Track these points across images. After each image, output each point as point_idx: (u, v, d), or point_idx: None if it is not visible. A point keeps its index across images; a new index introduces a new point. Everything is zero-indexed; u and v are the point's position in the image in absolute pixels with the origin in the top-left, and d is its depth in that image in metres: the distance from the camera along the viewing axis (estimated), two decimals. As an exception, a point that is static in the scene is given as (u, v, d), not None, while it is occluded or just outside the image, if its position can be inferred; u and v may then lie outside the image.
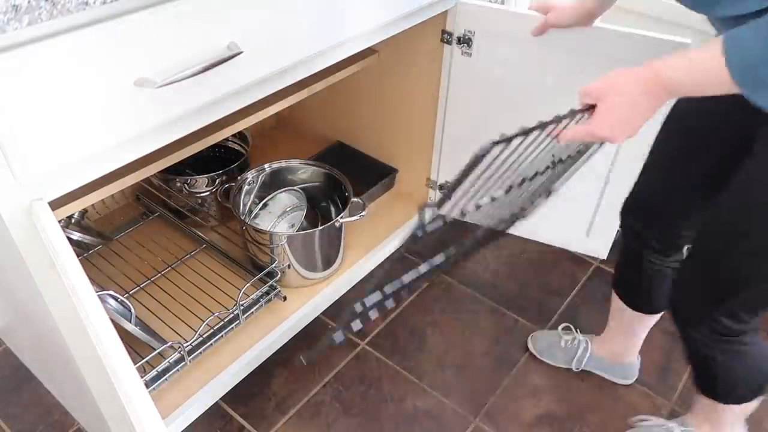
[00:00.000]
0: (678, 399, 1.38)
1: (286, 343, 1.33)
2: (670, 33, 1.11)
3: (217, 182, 1.45)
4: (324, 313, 1.45)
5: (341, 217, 1.32)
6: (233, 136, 1.59)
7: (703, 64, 0.71)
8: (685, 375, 1.44)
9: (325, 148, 1.75)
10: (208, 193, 1.46)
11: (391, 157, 1.66)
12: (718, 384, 1.12)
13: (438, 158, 1.54)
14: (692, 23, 1.34)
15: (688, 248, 1.05)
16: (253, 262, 1.39)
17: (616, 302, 1.30)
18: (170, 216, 1.51)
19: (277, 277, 1.33)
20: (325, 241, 1.34)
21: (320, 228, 1.30)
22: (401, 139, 1.60)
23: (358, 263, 1.45)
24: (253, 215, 1.46)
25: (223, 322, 1.24)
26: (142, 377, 1.10)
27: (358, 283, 1.50)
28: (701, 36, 1.33)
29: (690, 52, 0.72)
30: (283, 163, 1.47)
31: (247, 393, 1.35)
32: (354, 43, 1.05)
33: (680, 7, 1.24)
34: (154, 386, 1.13)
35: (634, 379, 1.40)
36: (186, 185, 1.45)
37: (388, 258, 1.49)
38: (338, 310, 1.51)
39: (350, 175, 1.48)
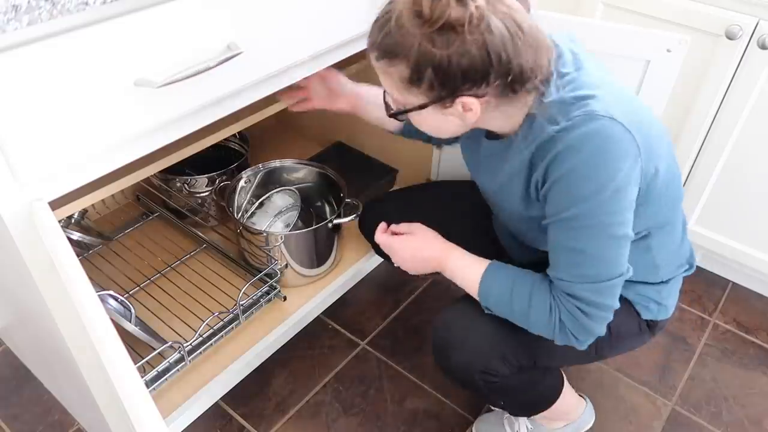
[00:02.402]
0: (678, 399, 1.38)
1: (286, 343, 1.33)
2: (670, 32, 1.11)
3: (217, 182, 1.45)
4: (324, 313, 1.45)
5: (334, 218, 1.32)
6: (233, 136, 1.59)
7: (467, 282, 0.99)
8: (686, 375, 1.44)
9: (325, 148, 1.75)
10: (207, 193, 1.46)
11: (391, 157, 1.66)
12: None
13: (438, 158, 1.54)
14: (692, 23, 1.34)
15: None
16: (247, 261, 1.39)
17: None
18: (170, 216, 1.51)
19: (277, 277, 1.33)
20: (319, 241, 1.34)
21: (312, 228, 1.30)
22: (401, 140, 1.60)
23: (358, 263, 1.45)
24: (249, 214, 1.46)
25: (223, 322, 1.24)
26: (142, 377, 1.10)
27: (358, 282, 1.50)
28: (701, 35, 1.33)
29: (466, 265, 0.99)
30: (278, 163, 1.46)
31: (247, 393, 1.35)
32: (354, 43, 1.05)
33: (680, 7, 1.26)
34: (154, 386, 1.13)
35: (592, 421, 1.32)
36: (186, 185, 1.44)
37: (388, 258, 1.49)
38: (338, 310, 1.52)
39: (350, 175, 1.48)
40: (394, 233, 1.08)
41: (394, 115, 0.88)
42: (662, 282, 1.04)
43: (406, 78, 0.80)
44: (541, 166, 0.85)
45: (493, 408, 1.34)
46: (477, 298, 0.98)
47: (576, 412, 1.28)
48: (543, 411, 1.17)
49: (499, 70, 0.77)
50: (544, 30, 0.81)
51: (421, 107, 0.83)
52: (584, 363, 1.17)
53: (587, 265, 0.85)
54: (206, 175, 1.44)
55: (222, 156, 1.57)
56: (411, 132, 1.20)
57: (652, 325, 1.08)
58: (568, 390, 1.24)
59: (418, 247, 1.04)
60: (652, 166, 0.86)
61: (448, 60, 0.75)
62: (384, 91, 0.88)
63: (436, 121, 0.86)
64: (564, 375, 1.21)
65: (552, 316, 0.89)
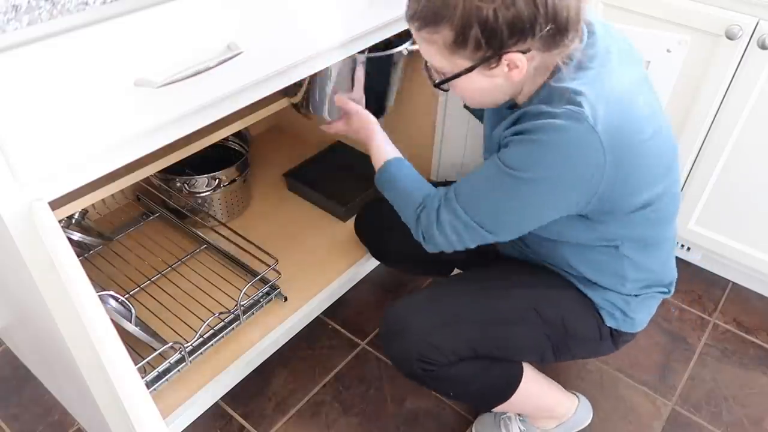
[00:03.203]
0: (678, 399, 1.38)
1: (286, 343, 1.33)
2: (670, 32, 1.11)
3: (217, 182, 1.45)
4: (324, 313, 1.45)
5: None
6: (233, 135, 1.59)
7: (376, 161, 1.11)
8: (685, 375, 1.44)
9: (325, 148, 1.75)
10: (208, 192, 1.46)
11: (391, 157, 1.66)
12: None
13: (438, 158, 1.54)
14: (692, 23, 1.34)
15: None
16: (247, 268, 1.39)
17: None
18: (170, 216, 1.51)
19: (278, 278, 1.33)
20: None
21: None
22: (401, 140, 1.60)
23: (358, 263, 1.45)
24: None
25: (223, 323, 1.24)
26: (142, 378, 1.10)
27: (358, 282, 1.50)
28: (701, 35, 1.33)
29: (381, 147, 1.13)
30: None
31: (247, 393, 1.35)
32: (354, 43, 1.05)
33: (680, 7, 1.26)
34: (154, 387, 1.13)
35: (588, 419, 1.31)
36: (186, 185, 1.45)
37: (388, 258, 1.49)
38: (338, 310, 1.52)
39: (350, 175, 1.48)
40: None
41: (438, 85, 0.89)
42: (631, 295, 1.04)
43: (450, 42, 0.80)
44: (511, 129, 0.87)
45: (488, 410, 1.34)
46: (377, 172, 1.09)
47: (564, 409, 1.27)
48: (500, 404, 1.14)
49: (545, 17, 0.77)
50: None
51: (468, 71, 0.83)
52: (539, 362, 1.16)
53: (483, 207, 0.90)
54: (206, 175, 1.44)
55: (222, 156, 1.58)
56: None
57: (615, 335, 1.07)
58: (550, 386, 1.24)
59: (360, 123, 1.20)
60: (626, 184, 0.86)
61: (495, 14, 0.76)
62: (425, 64, 0.89)
63: (482, 85, 0.86)
64: (536, 372, 1.19)
65: (418, 208, 0.98)
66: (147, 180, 1.48)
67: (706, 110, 1.40)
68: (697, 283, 1.66)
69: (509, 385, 1.12)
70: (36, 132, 0.69)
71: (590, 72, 0.85)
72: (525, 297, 1.04)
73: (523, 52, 0.80)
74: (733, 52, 1.31)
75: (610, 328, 1.06)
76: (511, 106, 0.96)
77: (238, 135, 1.60)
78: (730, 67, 1.33)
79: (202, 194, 1.47)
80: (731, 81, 1.35)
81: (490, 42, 0.79)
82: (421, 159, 1.57)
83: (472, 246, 0.95)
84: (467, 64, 0.82)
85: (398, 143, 1.61)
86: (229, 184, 1.48)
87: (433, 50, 0.84)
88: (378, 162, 1.10)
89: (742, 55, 1.31)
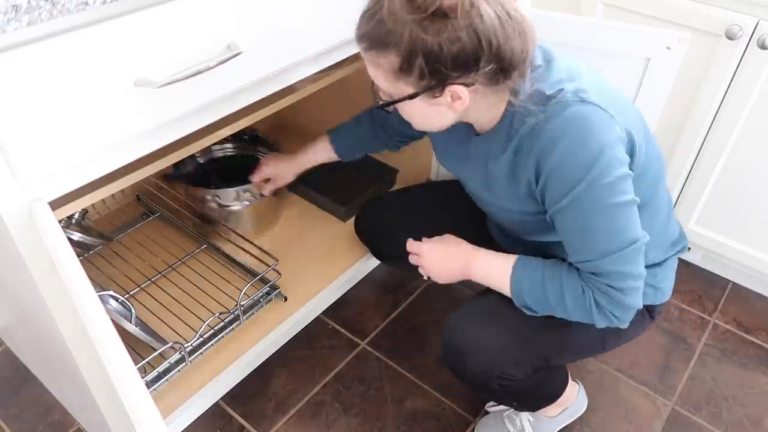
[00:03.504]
0: (678, 399, 1.38)
1: (286, 343, 1.33)
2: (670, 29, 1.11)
3: (247, 195, 1.41)
4: (324, 313, 1.45)
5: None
6: (260, 145, 1.57)
7: (497, 281, 0.99)
8: (685, 375, 1.44)
9: (325, 148, 1.75)
10: (238, 207, 1.42)
11: (391, 157, 1.66)
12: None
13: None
14: (692, 23, 1.34)
15: None
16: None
17: None
18: (170, 216, 1.51)
19: (278, 278, 1.33)
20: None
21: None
22: (401, 139, 1.60)
23: (358, 263, 1.45)
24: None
25: (223, 323, 1.24)
26: (142, 378, 1.10)
27: (358, 282, 1.50)
28: (701, 35, 1.33)
29: (495, 265, 1.00)
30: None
31: (247, 393, 1.35)
32: (354, 43, 1.05)
33: (680, 7, 1.26)
34: (154, 387, 1.13)
35: (585, 403, 1.34)
36: (217, 198, 1.40)
37: (388, 258, 1.49)
38: (338, 310, 1.52)
39: (350, 174, 1.48)
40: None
41: (382, 107, 0.89)
42: (655, 265, 1.04)
43: (396, 67, 0.80)
44: (529, 163, 0.87)
45: (488, 411, 1.34)
46: (510, 296, 0.97)
47: (571, 397, 1.29)
48: (551, 404, 1.19)
49: (489, 56, 0.78)
50: (527, 17, 0.83)
51: (411, 97, 0.83)
52: (594, 355, 1.18)
53: (601, 240, 0.86)
54: (234, 188, 1.40)
55: (249, 166, 1.54)
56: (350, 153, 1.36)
57: (650, 310, 1.08)
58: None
59: (444, 249, 1.05)
60: (631, 138, 0.88)
61: (439, 47, 0.76)
62: (372, 83, 0.88)
63: (425, 111, 0.87)
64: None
65: (586, 299, 0.90)
66: (147, 180, 1.48)
67: (706, 110, 1.40)
68: (697, 283, 1.66)
69: (563, 386, 1.17)
70: (36, 132, 0.69)
71: (542, 67, 0.87)
72: None
73: (467, 85, 0.81)
74: (733, 52, 1.31)
75: (645, 305, 1.05)
76: (477, 133, 0.97)
77: (265, 143, 1.56)
78: (730, 67, 1.33)
79: (232, 208, 1.42)
80: (731, 81, 1.35)
81: (433, 73, 0.79)
82: (421, 159, 1.57)
83: (644, 270, 0.90)
84: (411, 90, 0.83)
85: (398, 143, 1.61)
86: (260, 196, 1.44)
87: (378, 73, 0.84)
88: (500, 279, 0.99)
89: (742, 55, 1.31)
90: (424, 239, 1.09)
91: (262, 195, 1.43)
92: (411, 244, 1.10)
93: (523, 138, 0.86)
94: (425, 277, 1.10)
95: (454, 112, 0.87)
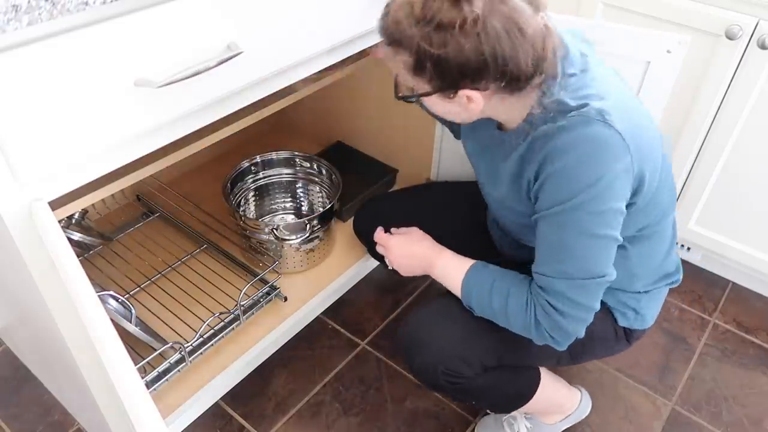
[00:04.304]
0: (678, 399, 1.38)
1: (286, 343, 1.33)
2: (670, 32, 1.11)
3: (307, 227, 1.35)
4: (324, 313, 1.45)
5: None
6: (327, 176, 1.50)
7: (452, 281, 1.01)
8: (686, 375, 1.44)
9: (325, 148, 1.75)
10: (297, 241, 1.35)
11: (391, 157, 1.66)
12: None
13: (438, 158, 1.54)
14: (692, 23, 1.34)
15: None
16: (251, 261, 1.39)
17: None
18: (170, 216, 1.51)
19: (278, 278, 1.33)
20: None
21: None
22: (401, 139, 1.60)
23: (358, 263, 1.45)
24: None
25: (223, 323, 1.24)
26: (142, 378, 1.10)
27: (358, 282, 1.50)
28: (701, 35, 1.33)
29: (453, 266, 1.01)
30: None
31: (247, 393, 1.35)
32: (354, 43, 1.05)
33: (680, 7, 1.26)
34: (154, 387, 1.13)
35: (588, 409, 1.33)
36: (275, 231, 1.33)
37: (388, 258, 1.49)
38: (338, 310, 1.52)
39: (350, 175, 1.48)
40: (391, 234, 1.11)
41: (402, 99, 0.90)
42: (641, 292, 1.05)
43: (411, 66, 0.81)
44: (533, 164, 0.86)
45: (489, 411, 1.34)
46: (461, 299, 0.99)
47: (571, 403, 1.28)
48: (520, 407, 1.16)
49: (495, 72, 0.78)
50: (554, 28, 0.82)
51: (427, 94, 0.85)
52: (556, 365, 1.17)
53: (568, 261, 0.86)
54: (298, 220, 1.37)
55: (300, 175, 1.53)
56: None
57: (628, 333, 1.08)
58: (558, 384, 1.25)
59: (411, 245, 1.08)
60: (641, 175, 0.86)
61: (446, 57, 0.77)
62: (396, 76, 0.89)
63: (444, 107, 0.88)
64: (546, 371, 1.20)
65: (528, 313, 0.90)
66: (148, 180, 1.48)
67: (706, 110, 1.40)
68: (697, 283, 1.66)
69: (530, 389, 1.14)
70: (36, 132, 0.69)
71: (576, 76, 0.86)
72: None
73: (479, 90, 0.81)
74: (733, 52, 1.31)
75: (623, 327, 1.06)
76: (499, 126, 0.96)
77: (328, 157, 1.51)
78: (730, 67, 1.33)
79: (291, 241, 1.35)
80: (731, 81, 1.35)
81: (443, 78, 0.80)
82: (421, 159, 1.57)
83: (598, 306, 0.89)
84: (427, 89, 0.84)
85: (399, 140, 1.62)
86: (322, 232, 1.39)
87: (397, 67, 0.85)
88: (454, 280, 1.01)
89: (742, 55, 1.31)
90: (393, 230, 1.13)
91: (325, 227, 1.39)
92: (380, 236, 1.13)
93: (535, 140, 0.86)
94: (389, 267, 1.13)
95: (469, 113, 0.87)
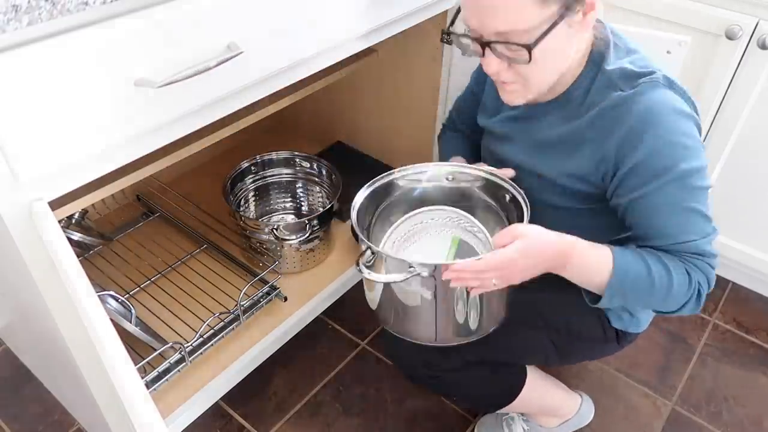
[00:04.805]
0: (678, 399, 1.38)
1: (286, 343, 1.33)
2: (670, 32, 1.11)
3: (306, 227, 1.34)
4: (324, 313, 1.45)
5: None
6: (327, 177, 1.50)
7: (596, 274, 0.86)
8: (685, 375, 1.44)
9: (325, 148, 1.75)
10: (295, 241, 1.35)
11: (391, 157, 1.66)
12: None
13: (438, 158, 1.53)
14: (692, 23, 1.34)
15: None
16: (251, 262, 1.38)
17: None
18: (170, 216, 1.51)
19: (278, 278, 1.33)
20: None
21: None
22: (401, 139, 1.60)
23: (358, 263, 1.45)
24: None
25: (223, 323, 1.24)
26: (142, 378, 1.10)
27: (358, 282, 1.50)
28: (701, 35, 1.33)
29: (594, 260, 0.86)
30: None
31: (247, 393, 1.35)
32: (354, 43, 1.05)
33: (680, 7, 1.25)
34: (154, 387, 1.13)
35: (590, 416, 1.33)
36: (275, 231, 1.33)
37: (388, 258, 1.49)
38: (338, 310, 1.52)
39: (350, 175, 1.48)
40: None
41: (531, 49, 0.78)
42: None
43: None
44: (610, 138, 0.84)
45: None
46: (598, 289, 0.87)
47: (568, 408, 1.28)
48: (503, 407, 1.14)
49: None
50: None
51: (553, 26, 0.77)
52: (544, 364, 1.16)
53: (701, 222, 0.87)
54: (298, 220, 1.37)
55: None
56: None
57: (620, 336, 1.06)
58: (552, 386, 1.24)
59: (537, 249, 0.83)
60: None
61: None
62: (494, 47, 0.80)
63: (561, 44, 0.81)
64: (538, 371, 1.19)
65: (692, 285, 0.86)
66: (148, 180, 1.48)
67: (706, 110, 1.40)
68: (697, 283, 1.66)
69: (513, 388, 1.12)
70: (36, 132, 0.69)
71: (630, 49, 0.87)
72: (529, 301, 1.01)
73: None
74: (733, 52, 1.31)
75: (615, 329, 1.05)
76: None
77: (328, 157, 1.50)
78: (730, 67, 1.33)
79: (290, 241, 1.35)
80: (731, 81, 1.35)
81: None
82: (420, 157, 1.56)
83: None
84: (554, 15, 0.76)
85: (399, 140, 1.62)
86: (322, 232, 1.38)
87: (523, 9, 0.75)
88: (602, 272, 0.86)
89: (742, 55, 1.31)
90: (495, 240, 0.84)
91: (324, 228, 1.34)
92: (480, 264, 0.80)
93: (605, 111, 0.85)
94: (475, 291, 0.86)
95: (573, 47, 0.83)
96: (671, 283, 0.85)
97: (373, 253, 0.88)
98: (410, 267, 0.83)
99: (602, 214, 0.93)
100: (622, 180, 0.86)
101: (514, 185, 0.95)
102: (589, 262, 0.86)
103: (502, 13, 0.76)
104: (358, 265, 0.87)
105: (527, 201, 0.91)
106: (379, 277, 0.87)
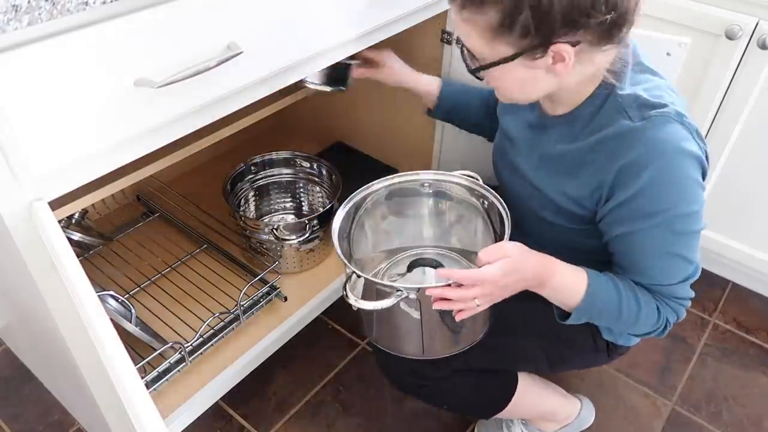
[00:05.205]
0: (678, 399, 1.38)
1: (286, 343, 1.33)
2: (670, 33, 1.11)
3: (306, 227, 1.34)
4: (324, 313, 1.45)
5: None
6: (327, 178, 1.50)
7: (570, 296, 0.88)
8: (685, 375, 1.44)
9: (325, 148, 1.75)
10: (295, 242, 1.35)
11: (391, 157, 1.66)
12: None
13: (438, 158, 1.54)
14: (692, 23, 1.34)
15: None
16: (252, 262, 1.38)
17: None
18: (171, 216, 1.51)
19: (278, 278, 1.33)
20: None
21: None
22: (401, 139, 1.60)
23: (358, 263, 1.45)
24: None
25: (223, 323, 1.24)
26: (142, 378, 1.10)
27: (358, 283, 1.50)
28: (701, 35, 1.33)
29: (570, 281, 0.88)
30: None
31: (247, 393, 1.35)
32: (354, 43, 1.05)
33: (680, 7, 1.25)
34: (154, 387, 1.13)
35: (590, 419, 1.32)
36: (275, 231, 1.33)
37: (388, 258, 1.49)
38: (338, 310, 1.52)
39: (350, 175, 1.48)
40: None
41: (475, 71, 0.82)
42: None
43: (495, 25, 0.74)
44: (611, 166, 0.83)
45: None
46: (569, 309, 0.90)
47: (566, 413, 1.27)
48: (496, 414, 1.13)
49: (606, 4, 0.72)
50: None
51: (509, 59, 0.77)
52: (534, 371, 1.16)
53: (683, 266, 0.86)
54: (298, 220, 1.37)
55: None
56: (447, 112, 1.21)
57: (611, 348, 1.06)
58: (546, 391, 1.24)
59: (518, 273, 0.82)
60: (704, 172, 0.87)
61: (550, 3, 0.70)
62: (461, 48, 0.82)
63: (520, 77, 0.80)
64: (531, 377, 1.18)
65: (660, 318, 0.89)
66: (148, 180, 1.48)
67: (706, 110, 1.40)
68: (697, 283, 1.66)
69: (504, 395, 1.11)
70: (36, 132, 0.69)
71: (648, 75, 0.85)
72: (520, 310, 0.99)
73: (573, 44, 0.74)
74: (733, 52, 1.31)
75: (606, 341, 1.04)
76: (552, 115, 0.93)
77: (328, 157, 1.50)
78: (730, 68, 1.33)
79: (290, 241, 1.34)
80: (731, 81, 1.35)
81: (539, 29, 0.72)
82: (421, 157, 1.57)
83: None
84: (510, 51, 0.76)
85: (399, 140, 1.62)
86: (322, 232, 1.37)
87: (473, 33, 0.76)
88: (575, 294, 0.88)
89: (742, 55, 1.31)
90: (480, 256, 0.81)
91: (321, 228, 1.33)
92: (459, 275, 0.80)
93: (610, 137, 0.83)
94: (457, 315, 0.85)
95: (552, 79, 0.80)
96: (638, 316, 0.89)
97: (358, 276, 0.90)
98: (398, 291, 0.85)
99: (594, 237, 0.93)
100: (613, 210, 0.85)
101: (495, 194, 0.96)
102: (565, 283, 0.88)
103: (463, 31, 0.79)
104: (345, 291, 0.88)
105: (508, 213, 0.91)
106: (368, 304, 0.87)
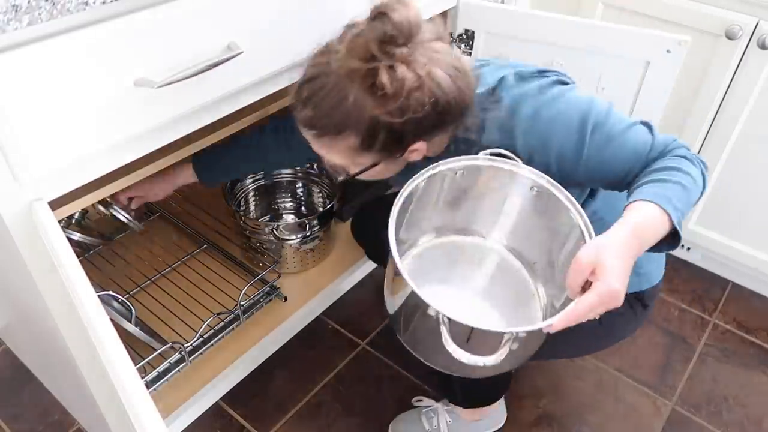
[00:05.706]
0: (678, 399, 1.38)
1: (286, 343, 1.33)
2: (670, 33, 1.11)
3: (306, 228, 1.35)
4: (324, 313, 1.45)
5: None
6: (324, 179, 1.50)
7: (653, 231, 0.77)
8: (686, 375, 1.44)
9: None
10: (296, 241, 1.35)
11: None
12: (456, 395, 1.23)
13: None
14: (692, 23, 1.34)
15: None
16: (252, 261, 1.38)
17: None
18: (170, 216, 1.51)
19: (278, 278, 1.33)
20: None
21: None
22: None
23: (358, 263, 1.45)
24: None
25: (223, 323, 1.24)
26: (142, 378, 1.10)
27: (358, 282, 1.50)
28: (701, 35, 1.33)
29: (644, 223, 0.77)
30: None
31: (247, 393, 1.35)
32: (354, 43, 1.05)
33: (680, 7, 1.25)
34: (154, 387, 1.13)
35: (503, 419, 1.32)
36: (275, 231, 1.33)
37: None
38: (338, 310, 1.52)
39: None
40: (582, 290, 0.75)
41: (345, 180, 0.91)
42: None
43: (356, 147, 0.81)
44: (521, 149, 0.84)
45: (414, 405, 1.34)
46: (667, 229, 0.78)
47: (492, 407, 1.29)
48: (486, 406, 1.17)
49: (451, 115, 0.81)
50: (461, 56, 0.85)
51: (372, 167, 0.86)
52: (583, 354, 1.16)
53: (642, 132, 0.84)
54: (298, 220, 1.39)
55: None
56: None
57: (640, 298, 1.02)
58: None
59: (623, 261, 0.74)
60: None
61: (404, 123, 0.78)
62: (319, 158, 0.89)
63: (379, 170, 0.88)
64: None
65: (690, 158, 0.82)
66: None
67: (706, 110, 1.40)
68: (697, 283, 1.66)
69: (502, 391, 1.16)
70: (36, 132, 0.69)
71: (486, 79, 0.89)
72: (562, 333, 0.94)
73: (426, 140, 0.83)
74: (733, 52, 1.31)
75: (632, 293, 1.00)
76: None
77: (328, 179, 1.49)
78: (730, 67, 1.33)
79: (290, 241, 1.35)
80: (731, 81, 1.35)
81: (396, 142, 0.81)
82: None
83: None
84: (372, 161, 0.84)
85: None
86: (322, 232, 1.38)
87: (334, 153, 0.84)
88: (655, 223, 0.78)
89: (742, 55, 1.31)
90: (593, 277, 0.72)
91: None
92: (571, 317, 0.71)
93: (493, 133, 0.86)
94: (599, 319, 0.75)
95: (409, 160, 0.88)
96: (687, 172, 0.80)
97: (448, 319, 0.70)
98: (505, 334, 0.68)
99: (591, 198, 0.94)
100: (559, 167, 0.85)
101: (574, 202, 0.85)
102: (645, 225, 0.77)
103: (323, 152, 0.86)
104: (442, 336, 0.70)
105: (589, 226, 0.82)
106: (476, 359, 0.69)
